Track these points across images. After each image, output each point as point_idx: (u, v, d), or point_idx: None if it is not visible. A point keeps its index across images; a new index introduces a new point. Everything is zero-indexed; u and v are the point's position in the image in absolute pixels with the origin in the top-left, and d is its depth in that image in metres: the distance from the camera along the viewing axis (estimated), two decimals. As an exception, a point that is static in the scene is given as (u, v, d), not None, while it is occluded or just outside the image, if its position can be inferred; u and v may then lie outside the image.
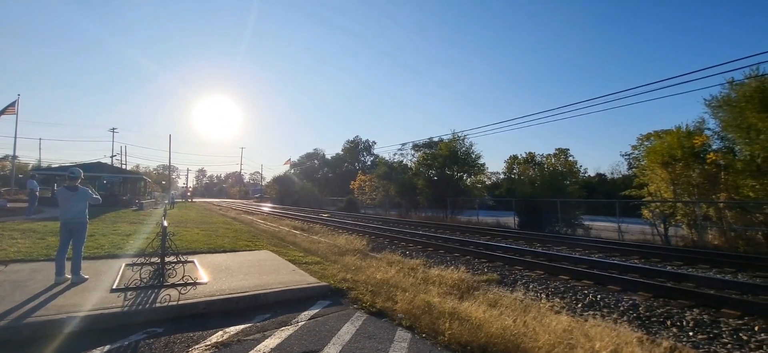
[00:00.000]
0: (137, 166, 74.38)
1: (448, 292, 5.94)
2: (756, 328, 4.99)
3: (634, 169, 23.75)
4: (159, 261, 5.40)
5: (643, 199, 18.08)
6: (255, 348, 3.63)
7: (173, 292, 4.80)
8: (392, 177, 36.52)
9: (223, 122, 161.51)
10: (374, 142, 70.32)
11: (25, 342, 3.55)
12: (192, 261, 6.78)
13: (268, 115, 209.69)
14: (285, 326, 4.23)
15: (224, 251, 8.64)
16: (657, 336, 4.69)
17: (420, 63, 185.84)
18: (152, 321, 4.16)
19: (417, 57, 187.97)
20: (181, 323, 4.18)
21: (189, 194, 63.24)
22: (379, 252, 10.30)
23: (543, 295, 6.73)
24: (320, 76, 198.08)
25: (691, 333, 4.95)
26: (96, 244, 8.57)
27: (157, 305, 4.37)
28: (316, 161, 74.50)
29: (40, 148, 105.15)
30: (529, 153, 29.66)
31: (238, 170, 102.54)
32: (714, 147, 16.09)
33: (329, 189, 60.02)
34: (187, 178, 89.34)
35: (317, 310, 4.86)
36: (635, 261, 10.19)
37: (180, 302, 4.51)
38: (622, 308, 5.96)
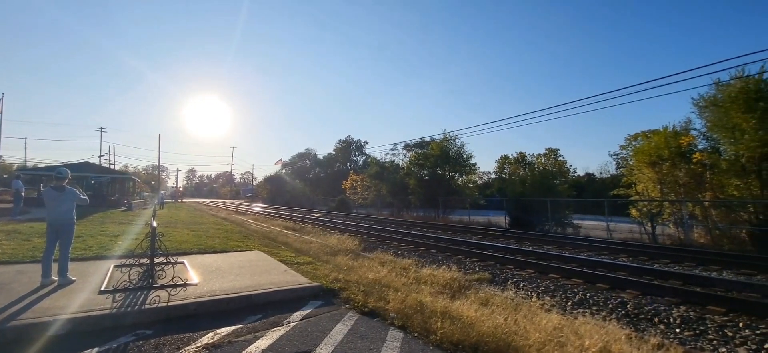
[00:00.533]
0: (126, 166, 73.18)
1: (440, 291, 5.97)
2: (740, 324, 5.11)
3: (622, 169, 24.14)
4: (148, 262, 5.33)
5: (631, 198, 18.36)
6: (246, 350, 3.60)
7: (163, 294, 4.74)
8: (384, 177, 36.53)
9: (213, 122, 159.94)
10: (366, 142, 70.33)
11: (10, 345, 3.47)
12: (182, 262, 6.72)
13: (260, 115, 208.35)
14: (277, 327, 4.21)
15: (215, 252, 8.56)
16: (645, 333, 4.78)
17: (412, 63, 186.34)
18: (141, 323, 4.11)
19: (409, 57, 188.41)
20: (171, 325, 4.13)
21: (179, 194, 62.49)
22: (371, 252, 10.30)
23: (534, 294, 6.79)
24: (312, 76, 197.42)
25: (678, 330, 5.04)
26: (84, 245, 8.43)
27: (147, 307, 4.32)
28: (307, 161, 74.17)
29: (25, 148, 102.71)
30: (520, 153, 29.97)
31: (229, 170, 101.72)
32: (700, 147, 16.42)
33: (321, 189, 59.80)
34: (176, 178, 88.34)
35: (309, 311, 4.84)
36: (623, 259, 10.34)
37: (170, 303, 4.46)
38: (610, 306, 6.05)
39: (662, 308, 5.83)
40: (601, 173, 56.32)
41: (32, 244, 8.33)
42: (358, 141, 70.18)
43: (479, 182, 34.87)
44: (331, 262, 8.13)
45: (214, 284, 5.43)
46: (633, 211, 17.80)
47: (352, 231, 16.35)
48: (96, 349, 3.47)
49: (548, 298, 6.44)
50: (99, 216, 17.51)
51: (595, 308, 5.97)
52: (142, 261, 5.53)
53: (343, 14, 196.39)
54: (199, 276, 5.90)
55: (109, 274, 5.69)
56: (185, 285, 5.24)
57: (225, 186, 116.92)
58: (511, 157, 30.67)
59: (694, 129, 16.84)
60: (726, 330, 4.94)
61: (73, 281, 5.25)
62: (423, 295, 5.41)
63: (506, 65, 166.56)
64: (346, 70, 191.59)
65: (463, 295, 5.84)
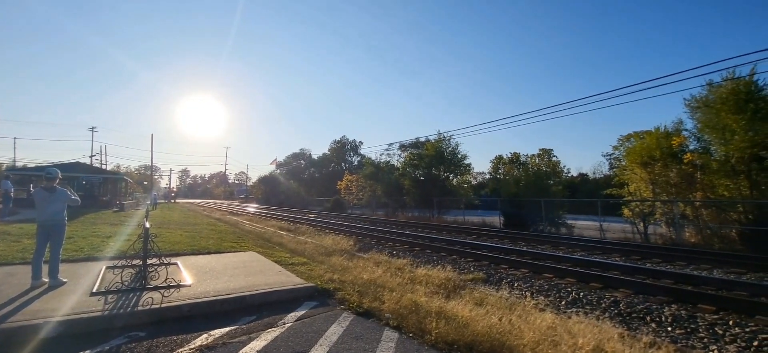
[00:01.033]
0: (118, 167, 72.49)
1: (435, 292, 5.98)
2: (730, 322, 5.18)
3: (615, 169, 24.36)
4: (141, 263, 5.28)
5: (624, 198, 18.54)
6: (241, 351, 3.58)
7: (156, 295, 4.70)
8: (379, 178, 36.54)
9: (207, 122, 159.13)
10: (361, 142, 70.27)
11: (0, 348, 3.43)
12: (175, 264, 6.67)
13: (254, 115, 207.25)
14: (271, 328, 4.20)
15: (209, 253, 8.50)
16: (637, 331, 4.82)
17: (407, 63, 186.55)
18: (134, 324, 4.07)
19: (404, 57, 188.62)
20: (164, 326, 4.09)
21: (173, 195, 61.97)
22: (366, 253, 10.29)
23: (528, 293, 6.83)
24: (307, 76, 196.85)
25: (669, 329, 5.10)
26: (75, 247, 8.33)
27: (139, 308, 4.28)
28: (302, 161, 73.97)
29: (14, 148, 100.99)
30: (514, 153, 30.17)
31: (223, 170, 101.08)
32: (691, 147, 16.63)
33: (316, 190, 59.66)
34: (170, 179, 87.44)
35: (304, 311, 4.83)
36: (616, 258, 10.44)
37: (163, 305, 4.42)
38: (603, 305, 6.10)
39: (654, 307, 5.90)
40: (594, 173, 56.92)
41: (22, 245, 8.22)
42: (353, 141, 70.15)
43: (474, 182, 35.06)
44: (326, 263, 8.11)
45: (208, 285, 5.40)
46: (625, 211, 17.98)
47: (347, 231, 16.33)
48: (88, 351, 3.43)
49: (542, 298, 6.49)
50: (90, 217, 17.31)
51: (588, 307, 6.02)
52: (135, 262, 5.48)
53: (338, 14, 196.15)
54: (193, 277, 5.85)
55: (101, 276, 5.63)
56: (179, 286, 5.19)
57: (219, 186, 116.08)
58: (505, 157, 30.87)
59: (686, 130, 17.08)
60: (716, 328, 5.01)
61: (64, 283, 5.19)
62: (418, 295, 5.41)
63: (501, 66, 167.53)
64: (341, 69, 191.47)
65: (458, 295, 5.86)
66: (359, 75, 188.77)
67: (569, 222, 20.86)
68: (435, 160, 30.40)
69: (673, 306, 5.92)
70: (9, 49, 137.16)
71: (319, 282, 6.01)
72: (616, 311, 5.82)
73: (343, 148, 69.78)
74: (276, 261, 7.60)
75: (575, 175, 52.99)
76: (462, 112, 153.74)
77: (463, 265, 9.31)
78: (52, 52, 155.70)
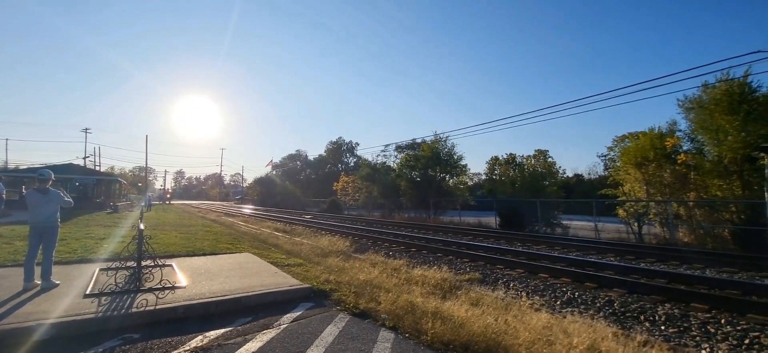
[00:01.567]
0: (112, 168, 71.90)
1: (431, 292, 5.99)
2: (722, 321, 5.23)
3: (609, 170, 24.54)
4: (135, 265, 5.25)
5: (618, 199, 18.68)
6: (236, 352, 3.57)
7: (150, 297, 4.67)
8: (375, 179, 36.55)
9: (202, 123, 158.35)
10: (357, 144, 70.28)
11: (-9, 352, 3.39)
12: (170, 265, 6.63)
13: (250, 116, 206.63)
14: (267, 329, 4.18)
15: (204, 254, 8.46)
16: (631, 330, 4.86)
17: (403, 64, 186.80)
18: (128, 326, 4.04)
19: (400, 58, 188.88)
20: (158, 328, 4.07)
21: (168, 196, 61.59)
22: (363, 254, 10.29)
23: (523, 293, 6.86)
24: (303, 77, 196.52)
25: (663, 327, 5.15)
26: (68, 248, 8.26)
27: (134, 310, 4.25)
28: (298, 162, 73.84)
29: (6, 149, 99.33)
30: (510, 154, 30.08)
31: (219, 171, 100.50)
32: (684, 148, 16.79)
33: (312, 191, 59.56)
34: (164, 180, 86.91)
35: (300, 312, 4.82)
36: (611, 258, 10.51)
37: (158, 307, 4.39)
38: (598, 304, 6.14)
39: (648, 306, 5.94)
40: (589, 174, 57.33)
41: (14, 248, 8.13)
42: (349, 142, 70.16)
43: (470, 183, 35.08)
44: (322, 264, 8.10)
45: (203, 287, 5.37)
46: (620, 211, 18.11)
47: (343, 232, 16.31)
48: (81, 354, 3.41)
49: (538, 298, 6.52)
50: (84, 219, 17.17)
51: (583, 307, 6.06)
52: (129, 264, 5.44)
53: (334, 15, 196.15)
54: (188, 278, 5.82)
55: (94, 278, 5.59)
56: (173, 287, 5.16)
57: (214, 188, 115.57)
58: (501, 158, 30.82)
59: (680, 131, 17.25)
60: (709, 327, 5.05)
61: (57, 285, 5.14)
62: (414, 296, 5.42)
63: (497, 67, 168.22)
64: (337, 70, 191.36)
65: (454, 295, 5.87)
66: (356, 76, 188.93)
67: (564, 222, 20.99)
68: (431, 161, 30.45)
69: (666, 305, 5.97)
70: (0, 50, 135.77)
71: (315, 283, 6.00)
72: (610, 310, 5.86)
73: (340, 149, 69.75)
74: (272, 263, 7.58)
75: (570, 175, 53.31)
76: (458, 113, 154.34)
77: (459, 266, 9.33)
78: (45, 52, 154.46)
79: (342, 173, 50.19)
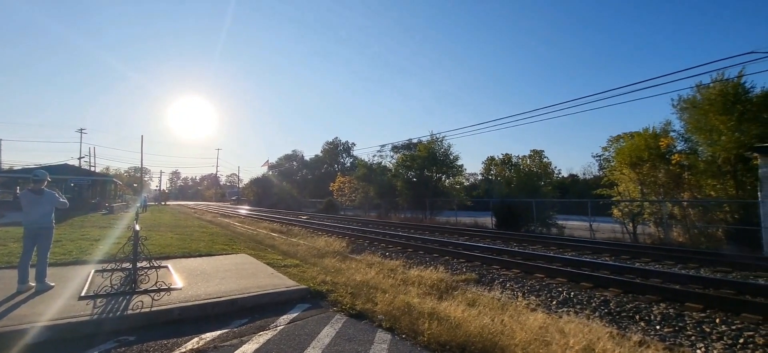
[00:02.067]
0: (107, 169, 71.39)
1: (428, 293, 6.00)
2: (717, 320, 5.28)
3: (604, 170, 24.69)
4: (130, 266, 5.22)
5: (613, 199, 18.80)
6: (232, 354, 3.56)
7: (146, 299, 4.65)
8: (372, 179, 36.53)
9: (198, 123, 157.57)
10: (354, 144, 70.23)
11: (-16, 355, 3.36)
12: (166, 267, 6.60)
13: (246, 117, 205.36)
14: (263, 331, 4.17)
15: (200, 255, 8.42)
16: (627, 330, 4.89)
17: (400, 65, 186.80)
18: (124, 329, 4.01)
19: (396, 59, 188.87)
20: (154, 330, 4.05)
21: (164, 197, 61.24)
22: (359, 254, 10.28)
23: (519, 293, 6.88)
24: (299, 77, 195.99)
25: (658, 327, 5.18)
26: (63, 250, 8.19)
27: (129, 312, 4.22)
28: (294, 163, 73.72)
29: (0, 149, 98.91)
30: (506, 154, 30.28)
31: (214, 172, 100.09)
32: (678, 148, 16.93)
33: (308, 191, 59.49)
34: (160, 181, 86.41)
35: (296, 314, 4.81)
36: (606, 258, 10.57)
37: (153, 309, 4.37)
38: (594, 304, 6.17)
39: (643, 305, 5.98)
40: (584, 174, 57.65)
41: (8, 249, 8.06)
42: (346, 143, 70.10)
43: (466, 183, 35.24)
44: (319, 265, 8.09)
45: (199, 288, 5.35)
46: (615, 211, 18.23)
47: (340, 233, 16.29)
48: (76, 357, 3.38)
49: (534, 298, 6.54)
50: (79, 220, 17.04)
51: (579, 307, 6.09)
52: (124, 265, 5.41)
53: (330, 16, 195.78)
54: (184, 280, 5.80)
55: (89, 279, 5.55)
56: (169, 289, 5.14)
57: (210, 188, 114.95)
58: (497, 158, 31.03)
59: (674, 131, 17.40)
60: (703, 326, 5.10)
61: (52, 287, 5.10)
62: (411, 296, 5.43)
63: (493, 68, 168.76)
64: (333, 71, 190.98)
65: (451, 296, 5.89)
66: (352, 76, 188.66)
67: (560, 222, 21.08)
68: (427, 162, 30.50)
69: (661, 304, 6.01)
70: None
71: (311, 285, 5.99)
72: (606, 310, 5.89)
73: (336, 150, 69.69)
74: (268, 264, 7.56)
75: (566, 175, 53.67)
76: (454, 114, 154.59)
77: (455, 266, 9.34)
78: (39, 53, 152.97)
79: (338, 173, 50.11)
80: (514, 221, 21.17)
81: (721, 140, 14.05)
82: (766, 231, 11.49)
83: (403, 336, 4.14)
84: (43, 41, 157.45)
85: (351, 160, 65.53)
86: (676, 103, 16.31)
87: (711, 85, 14.89)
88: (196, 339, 3.87)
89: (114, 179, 42.44)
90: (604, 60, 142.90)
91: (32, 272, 5.12)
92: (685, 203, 15.61)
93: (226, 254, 8.75)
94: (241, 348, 3.68)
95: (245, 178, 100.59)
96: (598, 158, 45.17)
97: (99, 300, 4.57)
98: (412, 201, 30.17)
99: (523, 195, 23.04)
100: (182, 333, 3.99)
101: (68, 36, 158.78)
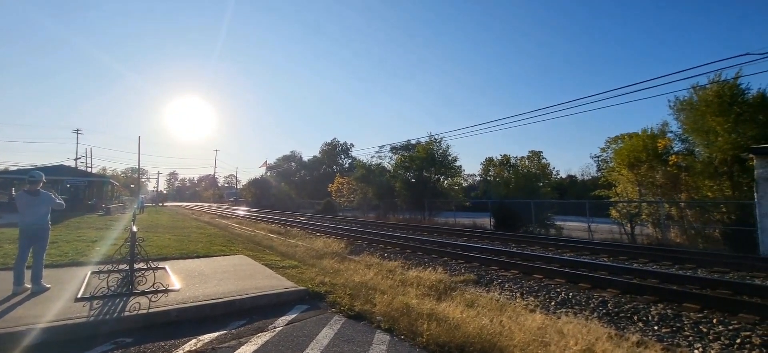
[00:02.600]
0: (104, 169, 71.13)
1: (427, 293, 6.00)
2: (714, 321, 5.29)
3: (602, 171, 24.79)
4: (127, 268, 5.19)
5: (611, 199, 18.85)
6: (230, 356, 3.54)
7: (143, 300, 4.62)
8: (370, 180, 36.52)
9: (196, 124, 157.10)
10: (352, 145, 70.26)
11: (-20, 358, 3.33)
12: (163, 268, 6.57)
13: (243, 117, 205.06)
14: (261, 332, 4.16)
15: (197, 256, 8.39)
16: (625, 331, 4.90)
17: (398, 66, 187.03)
18: (121, 330, 3.99)
19: (395, 60, 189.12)
20: (151, 332, 4.02)
21: (162, 198, 61.05)
22: (358, 255, 10.27)
23: (518, 294, 6.89)
24: (297, 78, 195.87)
25: (656, 327, 5.19)
26: (59, 251, 8.14)
27: (126, 314, 4.20)
28: (293, 163, 73.64)
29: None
30: (504, 155, 30.32)
31: (212, 173, 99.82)
32: (675, 149, 17.00)
33: (307, 192, 59.43)
34: (157, 181, 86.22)
35: (295, 315, 4.80)
36: (604, 259, 10.59)
37: (150, 310, 4.35)
38: (592, 305, 6.18)
39: (641, 306, 5.99)
40: (582, 175, 57.86)
41: (3, 251, 8.00)
42: (344, 143, 70.12)
43: (464, 184, 35.27)
44: (317, 266, 8.07)
45: (196, 289, 5.32)
46: (613, 212, 18.28)
47: (338, 234, 16.27)
48: (72, 359, 3.36)
49: (532, 298, 6.55)
50: (75, 221, 16.95)
51: (577, 307, 6.10)
52: (121, 267, 5.38)
53: (329, 16, 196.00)
54: (181, 281, 5.77)
55: (86, 281, 5.51)
56: (167, 291, 5.12)
57: (208, 189, 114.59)
58: (495, 159, 31.06)
59: (671, 132, 17.47)
60: (701, 327, 5.11)
61: (48, 288, 5.06)
62: (409, 297, 5.42)
63: (491, 69, 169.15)
64: (331, 72, 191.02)
65: (449, 297, 5.88)
66: (350, 77, 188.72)
67: (558, 223, 21.12)
68: (426, 162, 30.53)
69: (659, 305, 6.02)
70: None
71: (310, 286, 5.97)
72: (604, 311, 5.90)
73: (334, 151, 69.67)
74: (266, 265, 7.54)
75: (564, 176, 53.75)
76: (453, 115, 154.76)
77: (454, 267, 9.34)
78: (34, 52, 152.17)
79: (337, 174, 50.09)
80: (513, 222, 21.20)
81: (718, 141, 14.12)
82: (762, 231, 11.54)
83: (402, 337, 4.13)
84: (38, 39, 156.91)
85: (349, 161, 65.53)
86: (673, 104, 16.39)
87: (707, 86, 14.96)
88: (193, 340, 3.85)
89: (111, 180, 42.29)
90: (602, 62, 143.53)
91: (28, 274, 5.09)
92: (683, 204, 15.66)
93: (224, 255, 8.72)
94: (239, 350, 3.66)
95: (243, 179, 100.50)
96: (596, 159, 45.33)
97: (96, 301, 4.54)
98: (410, 202, 30.18)
99: (521, 196, 23.10)
100: (180, 335, 3.97)
101: (64, 34, 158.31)
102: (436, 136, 31.25)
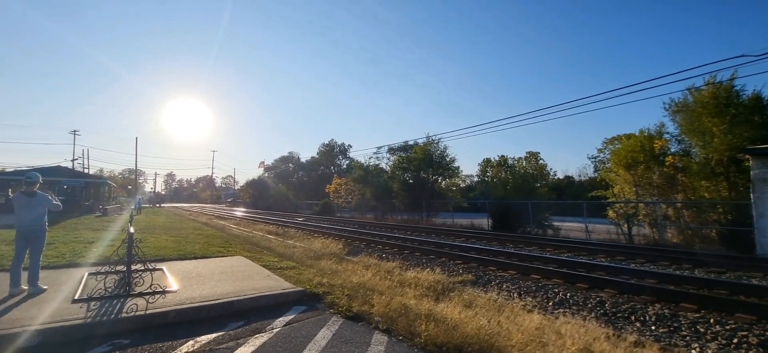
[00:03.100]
0: (101, 171, 70.96)
1: (425, 294, 5.99)
2: (711, 321, 5.31)
3: (599, 172, 24.86)
4: (125, 269, 5.17)
5: (608, 200, 18.91)
6: (228, 357, 3.53)
7: (140, 301, 4.60)
8: (368, 181, 36.49)
9: (193, 125, 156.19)
10: (350, 146, 70.14)
11: (-25, 360, 3.31)
12: (161, 269, 6.54)
13: (241, 118, 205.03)
14: (259, 333, 4.15)
15: (195, 258, 8.36)
16: (622, 331, 4.91)
17: (396, 67, 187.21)
18: (118, 332, 3.97)
19: (393, 61, 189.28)
20: (149, 334, 4.01)
21: (160, 199, 60.83)
22: (356, 256, 10.26)
23: (516, 295, 6.90)
24: (295, 79, 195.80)
25: (653, 328, 5.21)
26: (56, 253, 8.10)
27: (123, 315, 4.18)
28: (290, 164, 73.44)
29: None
30: (502, 156, 30.28)
31: (210, 174, 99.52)
32: (672, 150, 17.07)
33: (304, 193, 59.29)
34: (155, 182, 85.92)
35: (293, 316, 4.79)
36: (601, 259, 10.62)
37: (148, 312, 4.33)
38: (590, 305, 6.19)
39: (639, 306, 6.01)
40: (579, 176, 57.91)
41: (0, 252, 7.96)
42: (342, 144, 69.99)
43: (462, 185, 35.17)
44: (315, 267, 8.06)
45: (194, 291, 5.31)
46: (610, 213, 18.33)
47: (336, 234, 16.25)
48: (69, 361, 3.34)
49: (530, 299, 6.56)
50: (72, 222, 16.87)
51: (575, 307, 6.11)
52: (119, 268, 5.36)
53: (327, 17, 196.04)
54: (179, 282, 5.75)
55: (83, 282, 5.49)
56: (164, 292, 5.10)
57: (205, 190, 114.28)
58: (493, 160, 31.03)
59: (668, 133, 17.54)
60: (698, 327, 5.13)
61: (45, 290, 5.04)
62: (407, 298, 5.42)
63: (489, 70, 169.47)
64: (329, 73, 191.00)
65: (447, 297, 5.88)
66: (347, 78, 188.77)
67: (556, 223, 21.16)
68: (424, 163, 30.52)
69: (656, 305, 6.04)
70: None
71: (308, 287, 5.96)
72: (602, 311, 5.92)
73: (332, 152, 69.55)
74: (264, 266, 7.52)
75: (561, 177, 53.81)
76: (451, 116, 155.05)
77: (452, 267, 9.35)
78: (31, 53, 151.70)
79: (335, 175, 50.06)
80: (510, 223, 21.23)
81: (714, 142, 14.18)
82: (758, 231, 11.60)
83: (400, 337, 4.13)
84: (35, 39, 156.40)
85: (347, 161, 65.44)
86: (669, 105, 16.47)
87: (703, 87, 15.04)
88: (191, 342, 3.83)
89: (108, 181, 42.13)
90: (599, 63, 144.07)
91: (24, 275, 5.06)
92: (679, 204, 15.73)
93: (221, 256, 8.70)
94: (237, 351, 3.66)
95: (241, 180, 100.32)
96: (593, 159, 45.39)
97: (93, 303, 4.52)
98: (408, 202, 30.17)
99: (519, 196, 23.12)
100: (177, 336, 3.96)
101: (61, 34, 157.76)
102: (433, 137, 31.24)
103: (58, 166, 33.57)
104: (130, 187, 66.90)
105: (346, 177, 43.16)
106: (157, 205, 55.60)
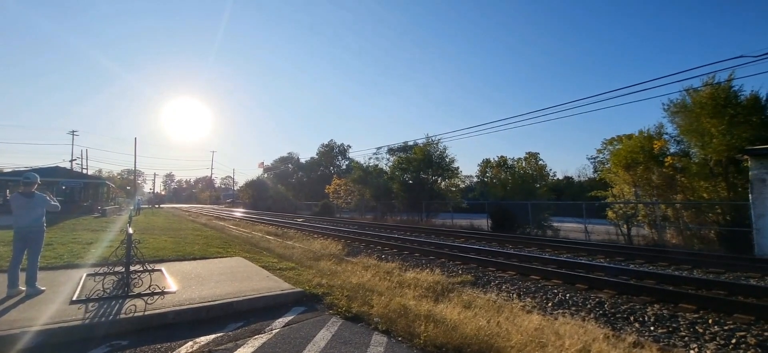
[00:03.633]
0: (100, 171, 70.87)
1: (424, 295, 5.99)
2: (710, 321, 5.32)
3: (599, 172, 24.89)
4: (123, 270, 5.16)
5: (608, 201, 18.92)
6: (227, 358, 3.53)
7: (139, 302, 4.59)
8: (368, 182, 36.47)
9: (192, 125, 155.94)
10: (349, 146, 69.97)
11: (-27, 361, 3.30)
12: (159, 270, 6.53)
13: (240, 119, 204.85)
14: (258, 334, 4.14)
15: (194, 258, 8.35)
16: (621, 331, 4.92)
17: (395, 68, 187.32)
18: (116, 333, 3.96)
19: (392, 62, 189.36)
20: (147, 335, 4.00)
21: (159, 199, 60.75)
22: (355, 257, 10.26)
23: (515, 295, 6.90)
24: (294, 80, 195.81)
25: (652, 328, 5.21)
26: (54, 254, 8.08)
27: (122, 316, 4.17)
28: (290, 165, 73.34)
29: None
30: (501, 157, 30.28)
31: (209, 174, 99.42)
32: (671, 150, 17.09)
33: (304, 194, 59.24)
34: (154, 183, 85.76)
35: (292, 317, 4.78)
36: (601, 260, 10.62)
37: (146, 313, 4.32)
38: (589, 306, 6.19)
39: (638, 307, 6.01)
40: (579, 176, 57.98)
41: (-2, 253, 7.94)
42: (341, 145, 69.86)
43: (462, 186, 35.12)
44: (315, 267, 8.05)
45: (193, 292, 5.30)
46: (609, 213, 18.34)
47: (336, 235, 16.24)
48: (67, 362, 3.33)
49: (529, 299, 6.56)
50: (70, 223, 16.85)
51: (574, 308, 6.11)
52: (117, 269, 5.35)
53: (326, 18, 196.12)
54: (178, 283, 5.74)
55: (81, 283, 5.48)
56: (163, 293, 5.09)
57: (205, 191, 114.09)
58: (492, 160, 31.03)
59: (666, 133, 17.56)
60: (697, 327, 5.13)
61: (43, 291, 5.02)
62: (407, 299, 5.42)
63: (488, 70, 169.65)
64: (328, 74, 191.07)
65: (447, 298, 5.88)
66: (347, 79, 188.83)
67: (555, 224, 21.17)
68: (423, 164, 30.52)
69: (655, 305, 6.05)
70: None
71: (307, 287, 5.96)
72: (601, 312, 5.92)
73: (332, 152, 69.47)
74: (263, 267, 7.51)
75: (561, 177, 53.84)
76: (450, 116, 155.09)
77: (451, 268, 9.34)
78: (29, 52, 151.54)
79: (334, 176, 49.97)
80: (510, 223, 21.24)
81: (713, 143, 14.20)
82: (757, 232, 11.62)
83: (400, 338, 4.12)
84: (32, 39, 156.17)
85: (347, 162, 65.34)
86: (667, 106, 16.49)
87: (702, 88, 15.06)
88: (190, 343, 3.83)
89: (106, 182, 42.08)
90: (599, 64, 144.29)
91: (22, 276, 5.05)
92: (678, 205, 15.74)
93: (220, 257, 8.69)
94: (236, 352, 3.65)
95: (240, 181, 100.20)
96: (592, 160, 45.49)
97: (91, 304, 4.51)
98: (408, 203, 30.17)
99: (518, 197, 23.14)
100: (176, 338, 3.95)
101: (59, 34, 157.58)
102: (433, 138, 31.23)
103: (57, 167, 33.53)
104: (128, 188, 66.79)
105: (345, 177, 43.13)
106: (156, 206, 55.55)
